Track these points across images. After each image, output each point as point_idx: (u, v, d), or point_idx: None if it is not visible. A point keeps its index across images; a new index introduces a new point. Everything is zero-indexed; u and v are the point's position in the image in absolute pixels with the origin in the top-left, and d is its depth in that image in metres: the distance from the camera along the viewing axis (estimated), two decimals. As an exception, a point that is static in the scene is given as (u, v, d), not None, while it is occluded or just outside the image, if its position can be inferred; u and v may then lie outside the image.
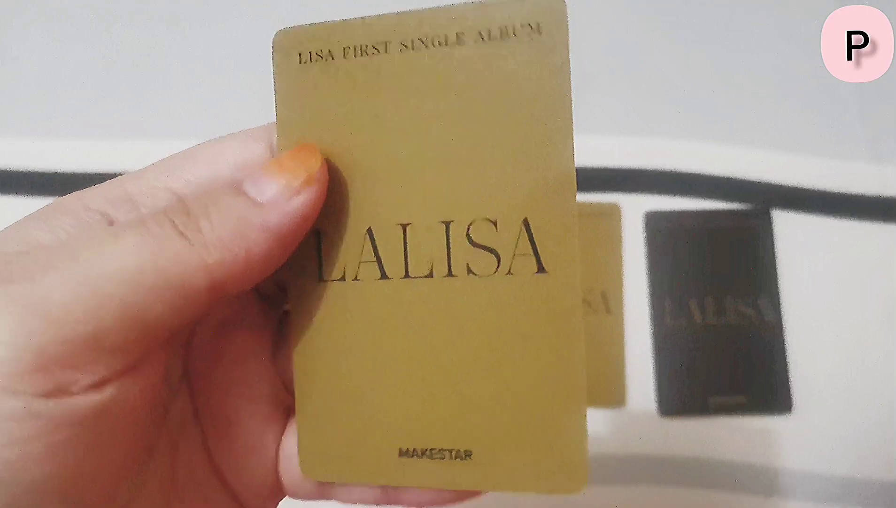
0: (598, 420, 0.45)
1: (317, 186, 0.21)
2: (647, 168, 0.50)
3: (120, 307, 0.18)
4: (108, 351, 0.18)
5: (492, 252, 0.21)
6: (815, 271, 0.48)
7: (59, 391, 0.18)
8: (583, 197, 0.49)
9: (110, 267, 0.18)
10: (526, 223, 0.21)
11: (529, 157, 0.21)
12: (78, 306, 0.18)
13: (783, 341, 0.47)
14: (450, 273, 0.22)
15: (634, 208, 0.49)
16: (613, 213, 0.49)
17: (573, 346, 0.21)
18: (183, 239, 0.19)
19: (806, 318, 0.47)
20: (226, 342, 0.24)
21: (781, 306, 0.47)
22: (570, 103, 0.21)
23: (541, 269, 0.21)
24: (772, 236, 0.49)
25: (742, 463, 0.45)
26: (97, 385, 0.18)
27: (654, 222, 0.49)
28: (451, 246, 0.22)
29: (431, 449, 0.22)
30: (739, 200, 0.50)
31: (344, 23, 0.22)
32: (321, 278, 0.23)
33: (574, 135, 0.21)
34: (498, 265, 0.21)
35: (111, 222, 0.21)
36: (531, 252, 0.21)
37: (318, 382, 0.23)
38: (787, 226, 0.49)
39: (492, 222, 0.21)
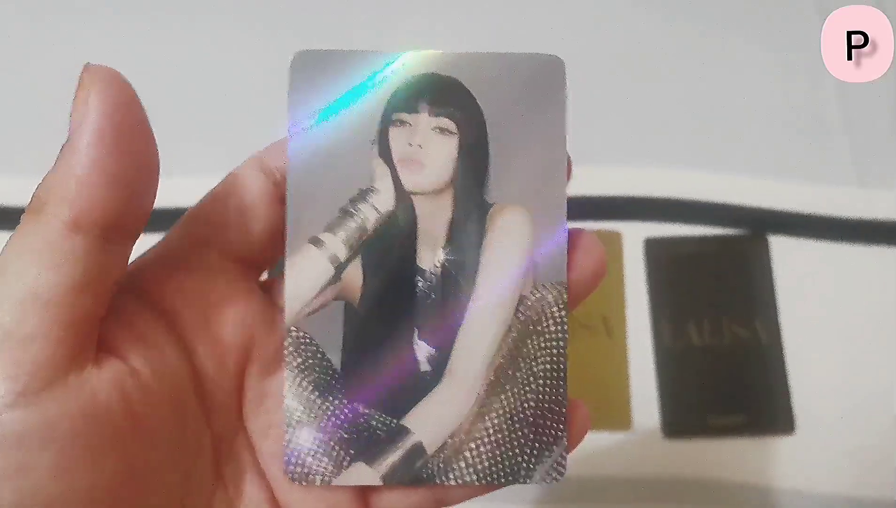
0: (603, 442, 0.47)
1: (105, 92, 0.20)
2: (647, 196, 0.52)
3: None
4: (20, 343, 0.19)
5: None
6: (812, 293, 0.50)
7: None
8: (585, 225, 0.51)
9: None
10: None
11: None
12: None
13: (783, 361, 0.48)
14: None
15: (635, 235, 0.51)
16: (615, 240, 0.51)
17: None
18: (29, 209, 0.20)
19: (805, 339, 0.49)
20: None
21: (780, 327, 0.49)
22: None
23: None
24: (768, 259, 0.50)
25: (746, 483, 0.46)
26: (24, 394, 0.18)
27: (654, 249, 0.51)
28: None
29: None
30: (736, 225, 0.51)
31: (360, 53, 0.24)
32: None
33: (575, 165, 0.24)
34: None
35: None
36: None
37: None
38: (782, 250, 0.51)
39: None
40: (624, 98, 0.55)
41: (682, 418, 0.48)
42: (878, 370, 0.48)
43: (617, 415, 0.48)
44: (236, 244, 0.24)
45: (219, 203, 0.23)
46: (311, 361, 0.24)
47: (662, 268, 0.50)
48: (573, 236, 0.24)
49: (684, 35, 0.57)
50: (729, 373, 0.48)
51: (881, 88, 0.54)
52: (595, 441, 0.47)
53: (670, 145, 0.54)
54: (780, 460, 0.47)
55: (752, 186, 0.52)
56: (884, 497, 0.46)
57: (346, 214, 0.24)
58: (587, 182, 0.52)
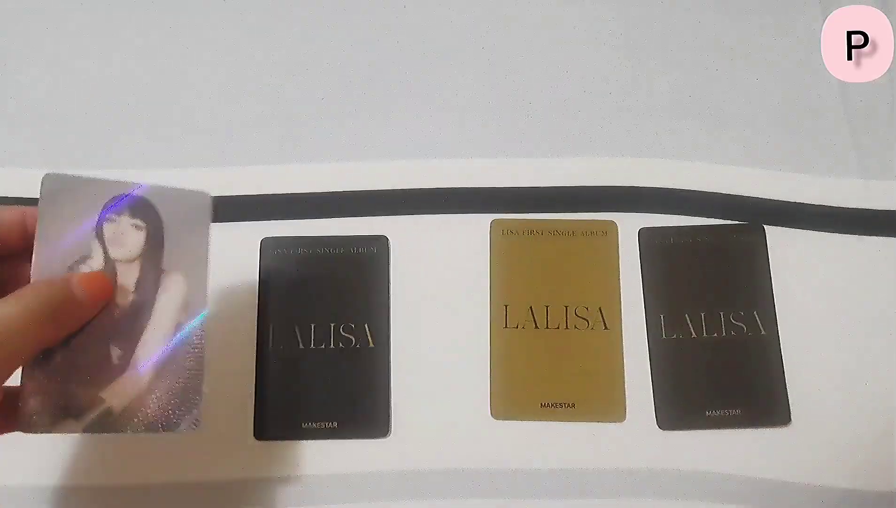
0: (598, 434, 0.47)
1: (107, 299, 0.38)
2: (642, 186, 0.52)
3: None
4: None
5: None
6: (809, 284, 0.49)
7: None
8: (580, 215, 0.51)
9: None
10: None
11: None
12: None
13: (779, 353, 0.48)
14: None
15: (630, 225, 0.51)
16: (609, 230, 0.51)
17: None
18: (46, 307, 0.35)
19: (801, 330, 0.48)
20: None
21: (777, 319, 0.48)
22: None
23: None
24: (765, 250, 0.50)
25: (742, 476, 0.46)
26: None
27: (649, 239, 0.50)
28: None
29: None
30: (732, 216, 0.51)
31: (88, 180, 0.38)
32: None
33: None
34: None
35: None
36: None
37: None
38: (779, 241, 0.50)
39: None
40: (624, 94, 0.55)
41: (679, 410, 0.47)
42: (875, 362, 0.48)
43: (611, 406, 0.47)
44: None
45: None
46: (43, 354, 0.36)
47: (657, 258, 0.50)
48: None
49: (684, 28, 0.57)
50: (724, 364, 0.48)
51: (882, 87, 0.54)
52: (589, 432, 0.47)
53: (670, 140, 0.54)
54: (775, 451, 0.46)
55: (747, 176, 0.52)
56: (879, 488, 0.46)
57: (72, 270, 0.38)
58: (582, 173, 0.52)
